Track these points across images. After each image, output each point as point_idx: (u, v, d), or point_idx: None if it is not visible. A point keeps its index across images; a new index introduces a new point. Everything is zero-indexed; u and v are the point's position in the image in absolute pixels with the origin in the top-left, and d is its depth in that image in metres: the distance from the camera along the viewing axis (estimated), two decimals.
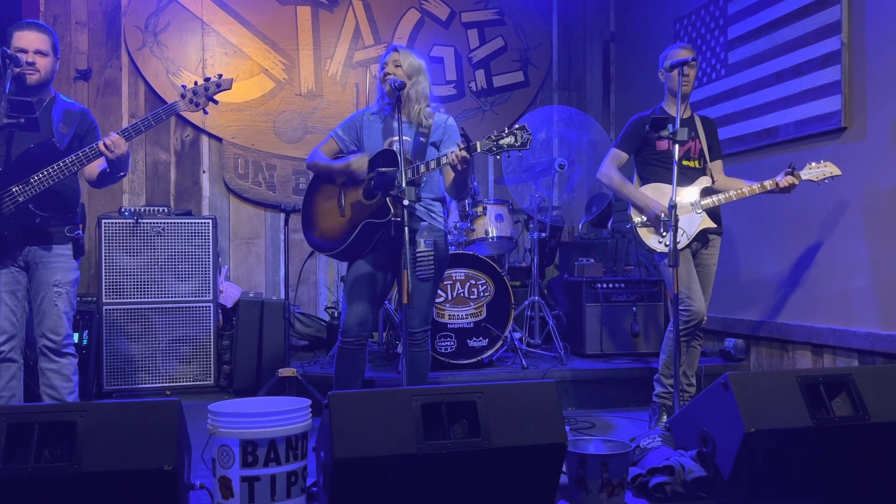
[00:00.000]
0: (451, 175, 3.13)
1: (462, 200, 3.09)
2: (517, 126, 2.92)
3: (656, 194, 3.55)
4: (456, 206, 4.72)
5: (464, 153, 2.89)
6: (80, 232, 3.12)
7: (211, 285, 4.69)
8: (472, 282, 4.29)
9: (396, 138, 3.04)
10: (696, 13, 5.04)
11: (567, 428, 2.45)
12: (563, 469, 2.52)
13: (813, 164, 3.56)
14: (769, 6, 4.38)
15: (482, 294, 4.31)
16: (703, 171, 3.66)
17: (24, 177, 2.85)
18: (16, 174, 2.85)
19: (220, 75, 3.07)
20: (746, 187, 3.55)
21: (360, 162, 3.11)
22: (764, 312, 4.43)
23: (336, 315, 5.29)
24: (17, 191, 2.83)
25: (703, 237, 3.60)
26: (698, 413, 2.74)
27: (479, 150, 2.91)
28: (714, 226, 3.60)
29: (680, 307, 3.44)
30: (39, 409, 2.27)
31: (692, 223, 3.55)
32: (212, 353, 4.67)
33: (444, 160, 2.96)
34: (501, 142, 2.88)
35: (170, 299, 4.61)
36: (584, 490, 2.53)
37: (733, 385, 2.51)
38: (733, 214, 4.34)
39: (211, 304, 4.69)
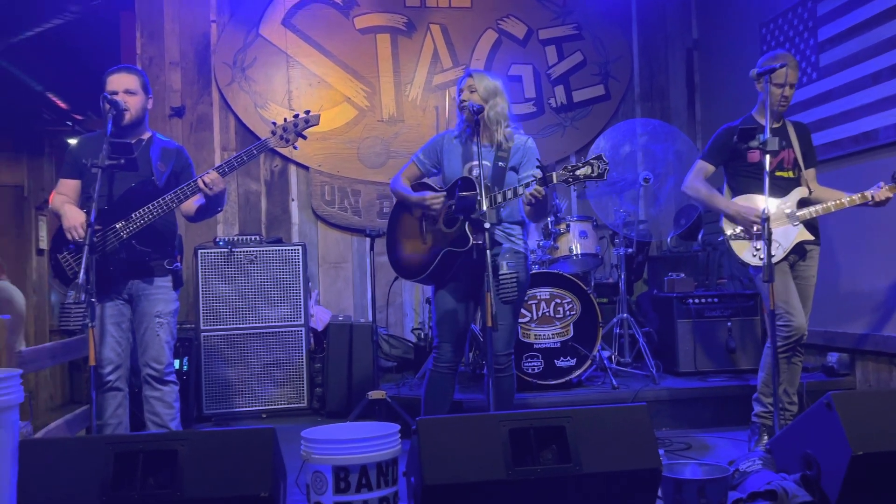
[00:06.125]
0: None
1: (541, 222, 3.13)
2: (594, 156, 2.88)
3: (749, 205, 3.43)
4: (536, 226, 4.69)
5: (539, 189, 2.87)
6: (179, 264, 3.27)
7: (302, 310, 4.81)
8: (558, 300, 4.25)
9: (475, 163, 3.05)
10: (784, 16, 4.87)
11: (661, 450, 2.39)
12: (659, 494, 2.46)
13: None
14: (861, 5, 4.18)
15: (568, 313, 4.26)
16: (797, 182, 3.51)
17: (126, 214, 3.01)
18: (119, 212, 3.01)
19: (308, 112, 3.16)
20: (846, 198, 3.38)
21: (435, 199, 3.16)
22: (869, 325, 4.20)
23: (422, 336, 5.34)
24: (120, 227, 3.00)
25: (800, 249, 3.46)
26: (801, 434, 2.62)
27: (554, 181, 2.89)
28: (811, 237, 3.44)
29: (778, 322, 3.30)
30: (144, 439, 2.37)
31: (788, 235, 3.41)
32: (304, 376, 4.79)
33: (520, 191, 2.96)
34: (578, 172, 2.85)
35: (263, 324, 4.76)
36: None
37: (837, 405, 2.40)
38: (832, 223, 4.14)
39: (302, 329, 4.81)
